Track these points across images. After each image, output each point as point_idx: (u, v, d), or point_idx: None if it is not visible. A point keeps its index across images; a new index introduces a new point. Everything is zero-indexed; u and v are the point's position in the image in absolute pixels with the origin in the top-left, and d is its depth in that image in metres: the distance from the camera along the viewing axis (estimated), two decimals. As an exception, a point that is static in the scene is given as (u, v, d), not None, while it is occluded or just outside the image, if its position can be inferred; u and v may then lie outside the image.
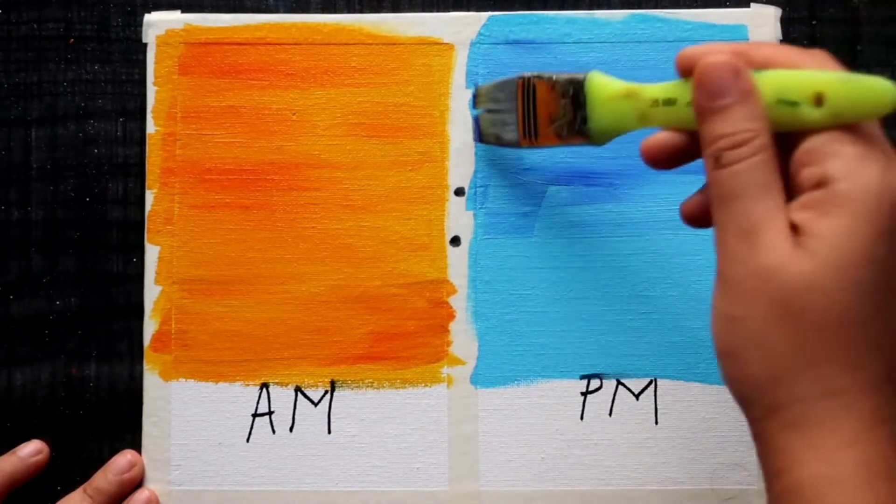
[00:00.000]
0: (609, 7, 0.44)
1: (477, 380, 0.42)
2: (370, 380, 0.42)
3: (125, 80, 0.44)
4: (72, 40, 0.44)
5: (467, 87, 0.43)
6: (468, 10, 0.44)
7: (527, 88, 0.38)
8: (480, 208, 0.43)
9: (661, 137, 0.32)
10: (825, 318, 0.27)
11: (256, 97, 0.43)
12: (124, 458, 0.42)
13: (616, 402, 0.42)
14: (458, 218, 0.43)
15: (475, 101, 0.42)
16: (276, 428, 0.42)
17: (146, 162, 0.43)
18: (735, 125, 0.29)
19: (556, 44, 0.43)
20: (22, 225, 0.44)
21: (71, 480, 0.42)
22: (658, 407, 0.42)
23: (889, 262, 0.27)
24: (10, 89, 0.44)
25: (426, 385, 0.42)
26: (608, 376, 0.42)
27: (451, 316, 0.43)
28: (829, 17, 0.44)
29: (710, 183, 0.29)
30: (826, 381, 0.27)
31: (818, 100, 0.28)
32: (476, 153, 0.43)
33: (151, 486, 0.42)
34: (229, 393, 0.43)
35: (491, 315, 0.43)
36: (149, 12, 0.44)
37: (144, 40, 0.44)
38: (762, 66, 0.30)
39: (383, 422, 0.42)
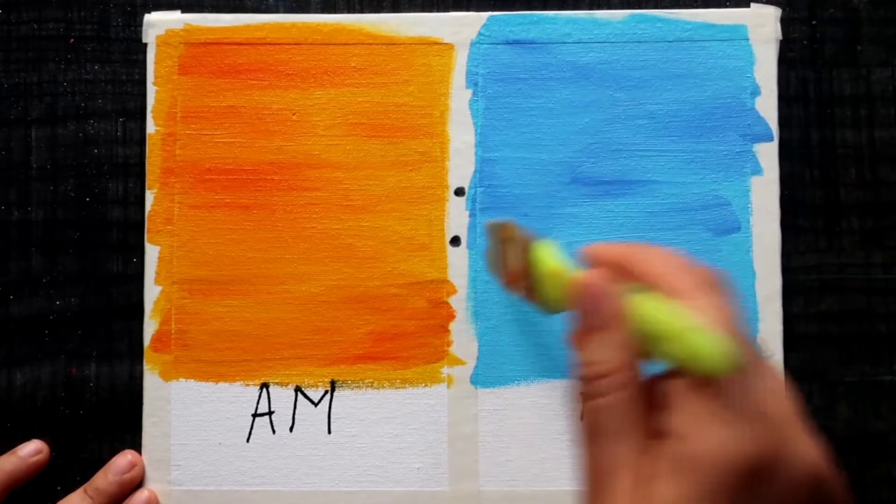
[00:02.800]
0: (609, 7, 0.44)
1: (477, 380, 0.42)
2: (370, 380, 0.42)
3: (125, 80, 0.44)
4: (72, 40, 0.44)
5: (467, 87, 0.43)
6: (468, 10, 0.44)
7: (498, 236, 0.37)
8: (480, 208, 0.43)
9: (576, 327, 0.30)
10: None
11: (256, 97, 0.43)
12: (124, 458, 0.42)
13: (616, 402, 0.42)
14: (458, 218, 0.43)
15: (487, 232, 0.41)
16: (276, 428, 0.42)
17: (146, 162, 0.43)
18: (597, 353, 0.27)
19: (556, 44, 0.43)
20: (22, 225, 0.44)
21: (71, 480, 0.43)
22: (658, 407, 0.42)
23: None
24: (10, 89, 0.44)
25: (426, 385, 0.42)
26: (608, 376, 0.42)
27: (451, 316, 0.43)
28: (829, 17, 0.44)
29: (578, 412, 0.28)
30: None
31: (670, 341, 0.26)
32: (476, 153, 0.43)
33: (151, 486, 0.42)
34: (229, 393, 0.43)
35: (491, 315, 0.43)
36: (149, 12, 0.44)
37: (144, 40, 0.44)
38: (643, 282, 0.28)
39: (383, 422, 0.42)
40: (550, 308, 0.33)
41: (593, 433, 0.27)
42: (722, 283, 0.28)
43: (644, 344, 0.27)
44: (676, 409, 0.26)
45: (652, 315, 0.27)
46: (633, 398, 0.26)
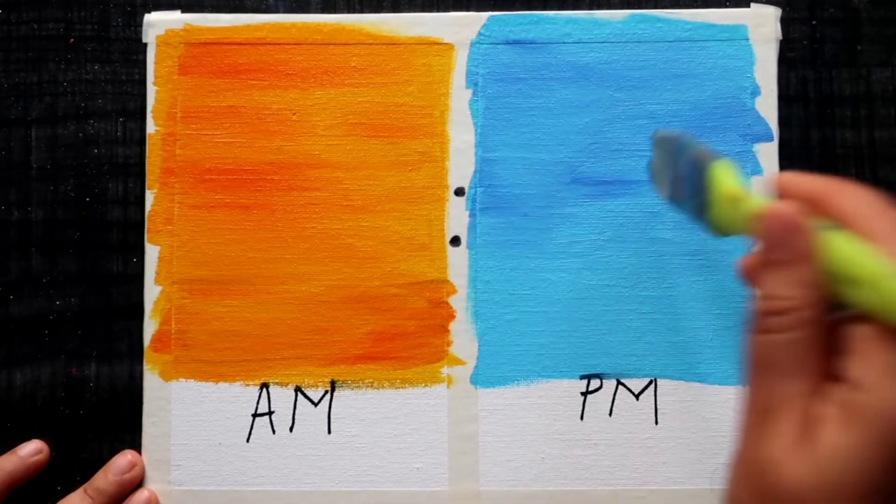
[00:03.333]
0: (609, 7, 0.44)
1: (477, 380, 0.42)
2: (370, 380, 0.42)
3: (125, 80, 0.44)
4: (72, 40, 0.44)
5: (467, 87, 0.43)
6: (468, 10, 0.44)
7: (668, 147, 0.36)
8: (480, 208, 0.43)
9: (756, 257, 0.29)
10: None
11: (256, 97, 0.43)
12: (124, 458, 0.42)
13: (616, 402, 0.42)
14: (458, 218, 0.43)
15: (652, 143, 0.40)
16: (276, 428, 0.42)
17: (146, 162, 0.43)
18: (779, 288, 0.26)
19: (556, 44, 0.43)
20: (22, 225, 0.44)
21: (71, 480, 0.43)
22: (658, 407, 0.42)
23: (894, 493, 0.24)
24: (10, 89, 0.44)
25: (426, 385, 0.42)
26: (608, 376, 0.42)
27: (451, 316, 0.43)
28: (829, 17, 0.44)
29: (748, 343, 0.27)
30: None
31: (864, 285, 0.25)
32: (476, 153, 0.43)
33: (151, 486, 0.42)
34: (229, 393, 0.43)
35: (491, 315, 0.43)
36: (149, 12, 0.44)
37: (144, 40, 0.44)
38: (838, 219, 0.27)
39: (383, 422, 0.42)
40: (720, 232, 0.32)
41: (763, 368, 0.26)
42: None
43: (832, 284, 0.26)
44: (858, 356, 0.25)
45: (845, 255, 0.26)
46: (811, 338, 0.26)
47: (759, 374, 0.26)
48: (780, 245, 0.27)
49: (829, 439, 0.24)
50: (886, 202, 0.27)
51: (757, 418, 0.26)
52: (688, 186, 0.33)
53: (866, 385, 0.24)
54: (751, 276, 0.29)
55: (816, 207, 0.27)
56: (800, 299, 0.26)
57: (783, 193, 0.29)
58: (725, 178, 0.31)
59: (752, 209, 0.29)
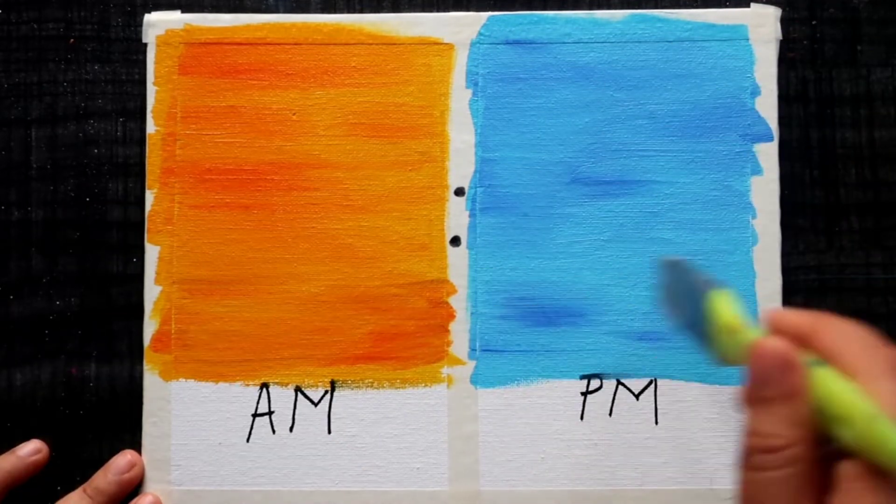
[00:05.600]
0: (609, 7, 0.44)
1: (477, 380, 0.42)
2: (370, 380, 0.42)
3: (125, 80, 0.44)
4: (72, 40, 0.45)
5: (467, 87, 0.43)
6: (468, 10, 0.44)
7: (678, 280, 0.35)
8: (480, 208, 0.43)
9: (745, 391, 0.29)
10: None
11: (256, 97, 0.43)
12: (124, 458, 0.42)
13: (616, 402, 0.42)
14: (458, 218, 0.43)
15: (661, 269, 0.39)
16: (276, 428, 0.42)
17: (146, 162, 0.43)
18: (770, 426, 0.26)
19: (556, 44, 0.43)
20: (22, 225, 0.44)
21: (71, 480, 0.43)
22: (658, 407, 0.42)
23: None
24: (10, 89, 0.44)
25: (426, 385, 0.42)
26: (608, 376, 0.42)
27: (451, 316, 0.43)
28: (829, 17, 0.44)
29: (739, 479, 0.27)
30: None
31: (849, 424, 0.25)
32: (476, 153, 0.43)
33: (151, 486, 0.42)
34: (229, 393, 0.43)
35: (491, 315, 0.43)
36: (149, 12, 0.44)
37: (144, 40, 0.44)
38: (826, 355, 0.27)
39: (383, 422, 0.42)
40: (724, 361, 0.32)
41: (752, 501, 0.26)
42: None
43: (820, 420, 0.26)
44: (844, 493, 0.25)
45: (831, 393, 0.26)
46: (802, 475, 0.25)
47: None
48: (770, 382, 0.26)
49: None
50: (874, 337, 0.27)
51: None
52: (690, 314, 0.33)
53: None
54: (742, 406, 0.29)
55: (805, 342, 0.27)
56: (789, 437, 0.26)
57: (775, 329, 0.28)
58: (724, 307, 0.31)
59: (748, 342, 0.29)
